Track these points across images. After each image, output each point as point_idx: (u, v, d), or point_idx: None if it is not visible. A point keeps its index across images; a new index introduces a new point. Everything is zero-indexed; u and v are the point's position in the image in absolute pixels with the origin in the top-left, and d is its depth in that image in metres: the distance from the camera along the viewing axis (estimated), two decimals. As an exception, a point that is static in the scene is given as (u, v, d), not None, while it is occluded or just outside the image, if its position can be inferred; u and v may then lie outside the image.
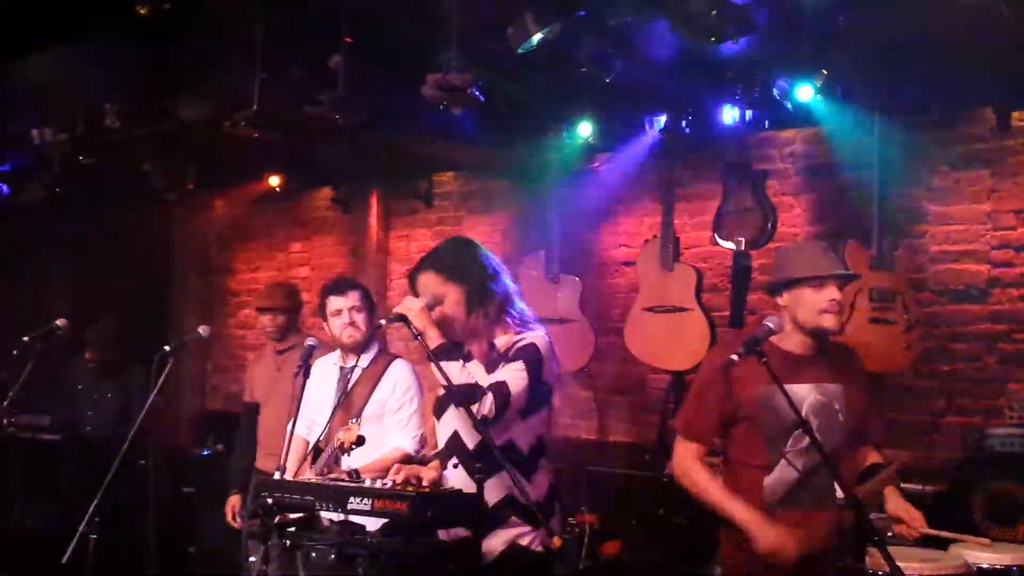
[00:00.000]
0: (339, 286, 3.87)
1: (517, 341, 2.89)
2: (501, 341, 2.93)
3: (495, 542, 2.84)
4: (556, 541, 2.69)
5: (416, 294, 2.97)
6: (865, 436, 3.17)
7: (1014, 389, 4.68)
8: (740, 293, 5.16)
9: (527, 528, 2.83)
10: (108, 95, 5.17)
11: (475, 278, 2.94)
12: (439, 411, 3.01)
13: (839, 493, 2.90)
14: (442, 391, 2.93)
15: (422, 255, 3.10)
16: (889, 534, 3.24)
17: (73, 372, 5.87)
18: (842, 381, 3.05)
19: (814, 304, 2.96)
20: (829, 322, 2.96)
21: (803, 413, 2.89)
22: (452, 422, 2.94)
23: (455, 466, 2.93)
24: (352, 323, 3.76)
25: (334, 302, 3.80)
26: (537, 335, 2.92)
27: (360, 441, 3.41)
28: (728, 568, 3.07)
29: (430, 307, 2.88)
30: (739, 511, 2.92)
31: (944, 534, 3.31)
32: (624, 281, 5.84)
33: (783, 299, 3.04)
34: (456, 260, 2.98)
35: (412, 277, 3.01)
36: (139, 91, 5.13)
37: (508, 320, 2.95)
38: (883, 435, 3.28)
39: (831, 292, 2.96)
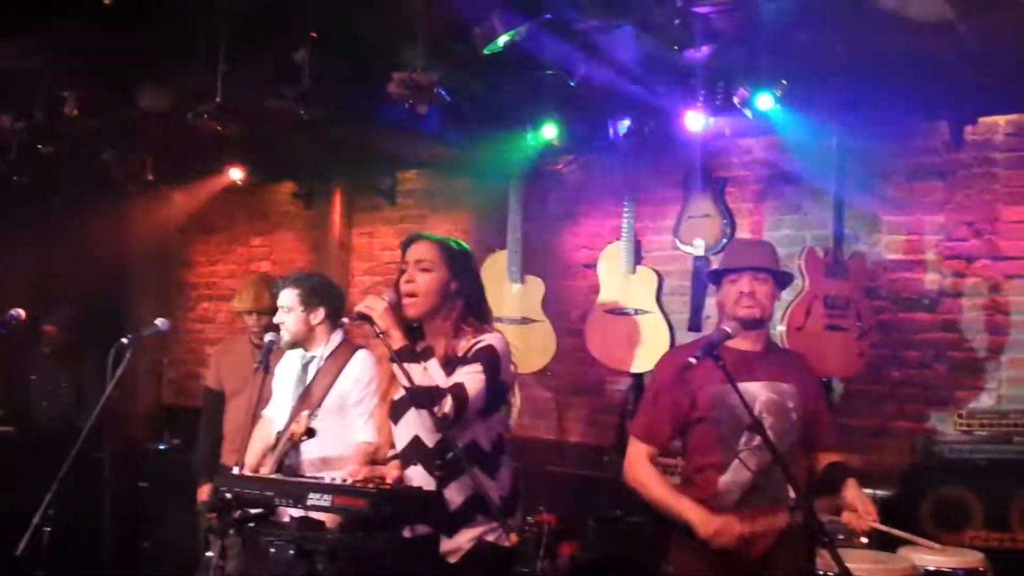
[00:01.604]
0: (284, 284, 3.89)
1: (475, 343, 2.93)
2: (460, 343, 2.96)
3: (462, 540, 2.87)
4: (513, 538, 2.72)
5: (403, 257, 2.98)
6: (820, 441, 3.24)
7: (962, 396, 4.81)
8: (699, 297, 5.23)
9: (493, 524, 2.87)
10: (68, 83, 5.09)
11: (464, 278, 3.00)
12: (396, 415, 3.02)
13: (791, 493, 2.97)
14: (398, 396, 2.96)
15: (386, 250, 3.14)
16: (841, 537, 3.32)
17: (27, 363, 5.79)
18: (794, 381, 3.15)
19: (729, 294, 3.14)
20: (743, 311, 3.09)
21: (756, 411, 2.98)
22: (411, 425, 2.96)
23: (414, 466, 2.95)
24: (283, 323, 3.77)
25: (280, 299, 3.84)
26: (495, 336, 2.96)
27: (311, 433, 3.42)
28: (680, 567, 3.12)
29: (391, 302, 2.89)
30: (681, 504, 3.01)
31: (895, 532, 3.39)
32: (585, 283, 5.88)
33: (718, 293, 3.22)
34: (459, 255, 3.04)
35: (411, 239, 3.04)
36: (100, 80, 5.06)
37: (466, 328, 2.98)
38: (839, 439, 3.36)
39: (742, 284, 3.10)
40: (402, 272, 3.00)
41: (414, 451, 2.96)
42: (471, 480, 2.75)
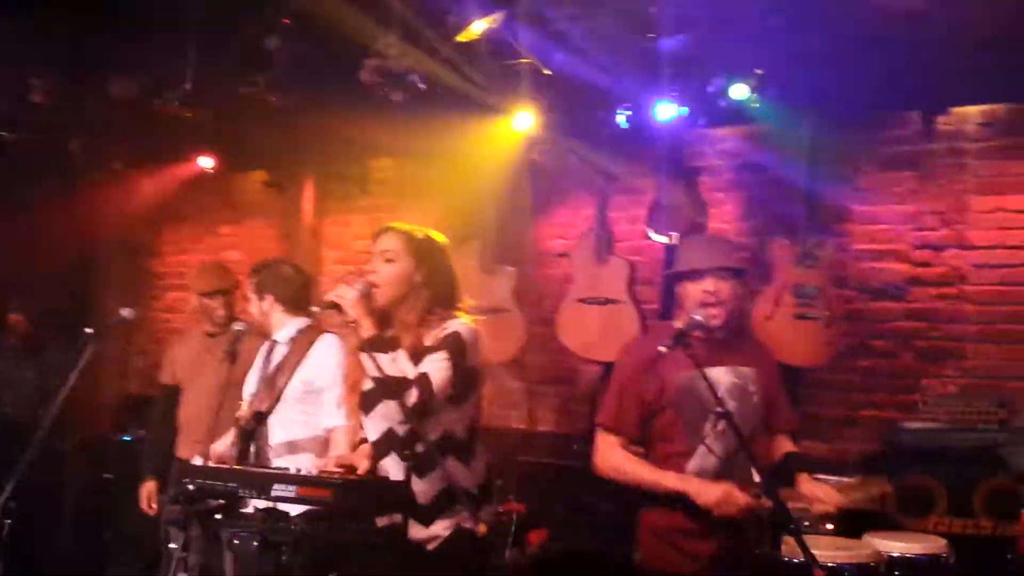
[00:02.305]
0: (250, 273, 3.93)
1: (441, 332, 2.92)
2: (425, 333, 2.95)
3: (439, 528, 2.87)
4: (482, 528, 2.71)
5: (374, 248, 2.99)
6: (775, 424, 3.25)
7: (928, 385, 4.84)
8: (671, 287, 5.24)
9: (469, 512, 2.87)
10: (35, 69, 5.02)
11: (430, 268, 2.99)
12: (367, 406, 3.00)
13: (756, 478, 2.99)
14: (367, 387, 2.94)
15: (358, 240, 3.13)
16: (806, 523, 3.35)
17: (-10, 352, 5.71)
18: (754, 365, 3.16)
19: (694, 296, 3.10)
20: (709, 315, 3.05)
21: (719, 395, 2.97)
22: (383, 417, 2.95)
23: (389, 456, 2.93)
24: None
25: None
26: (460, 323, 2.95)
27: (258, 418, 3.40)
28: (647, 554, 3.13)
29: (362, 291, 2.88)
30: (672, 479, 3.00)
31: (860, 507, 3.42)
32: (558, 272, 5.88)
33: (678, 293, 3.19)
34: (426, 245, 3.04)
35: (380, 230, 3.06)
36: (67, 66, 5.00)
37: (432, 318, 2.97)
38: (795, 422, 3.36)
39: (706, 284, 3.08)
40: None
41: (387, 442, 2.95)
42: (445, 470, 2.74)
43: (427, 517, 2.87)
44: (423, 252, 3.00)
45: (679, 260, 3.24)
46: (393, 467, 2.91)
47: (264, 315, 3.80)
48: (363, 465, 2.94)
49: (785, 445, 3.28)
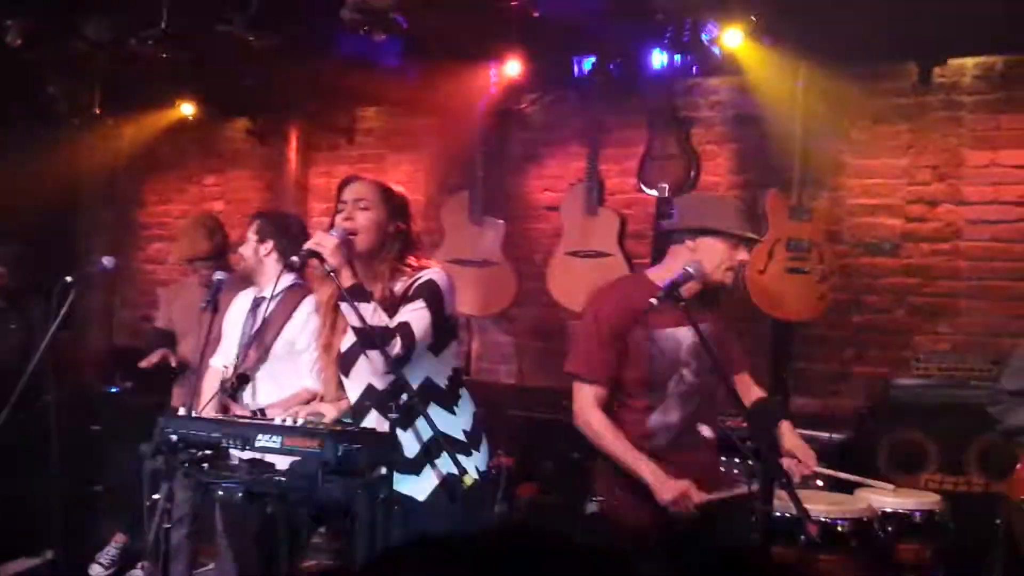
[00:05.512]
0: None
1: (414, 280, 2.88)
2: (399, 286, 2.90)
3: (430, 477, 2.85)
4: (467, 479, 2.68)
5: (339, 197, 2.92)
6: (736, 365, 3.22)
7: (921, 341, 4.82)
8: (663, 239, 5.17)
9: (459, 458, 2.83)
10: (10, 12, 4.85)
11: (402, 221, 2.95)
12: (346, 367, 2.95)
13: (706, 432, 3.04)
14: (345, 347, 2.89)
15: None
16: (797, 479, 3.30)
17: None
18: (707, 319, 3.05)
19: (725, 259, 2.99)
20: (730, 280, 3.03)
21: (682, 355, 2.96)
22: (362, 375, 2.91)
23: (370, 413, 2.89)
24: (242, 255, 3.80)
25: None
26: (433, 271, 2.92)
27: (243, 380, 3.36)
28: (603, 505, 3.11)
29: (342, 238, 2.81)
30: (643, 467, 2.91)
31: (833, 473, 3.41)
32: (548, 225, 5.80)
33: (691, 244, 3.02)
34: (397, 197, 2.98)
35: (348, 179, 2.98)
36: (43, 7, 4.83)
37: (404, 268, 2.93)
38: (746, 362, 3.33)
39: (742, 253, 3.02)
40: (338, 212, 2.92)
41: (368, 399, 2.92)
42: (430, 420, 2.71)
43: (416, 467, 2.85)
44: (394, 201, 2.95)
45: (714, 216, 3.03)
46: (375, 423, 2.87)
47: (259, 261, 3.72)
48: (330, 415, 2.91)
49: (754, 390, 3.24)
